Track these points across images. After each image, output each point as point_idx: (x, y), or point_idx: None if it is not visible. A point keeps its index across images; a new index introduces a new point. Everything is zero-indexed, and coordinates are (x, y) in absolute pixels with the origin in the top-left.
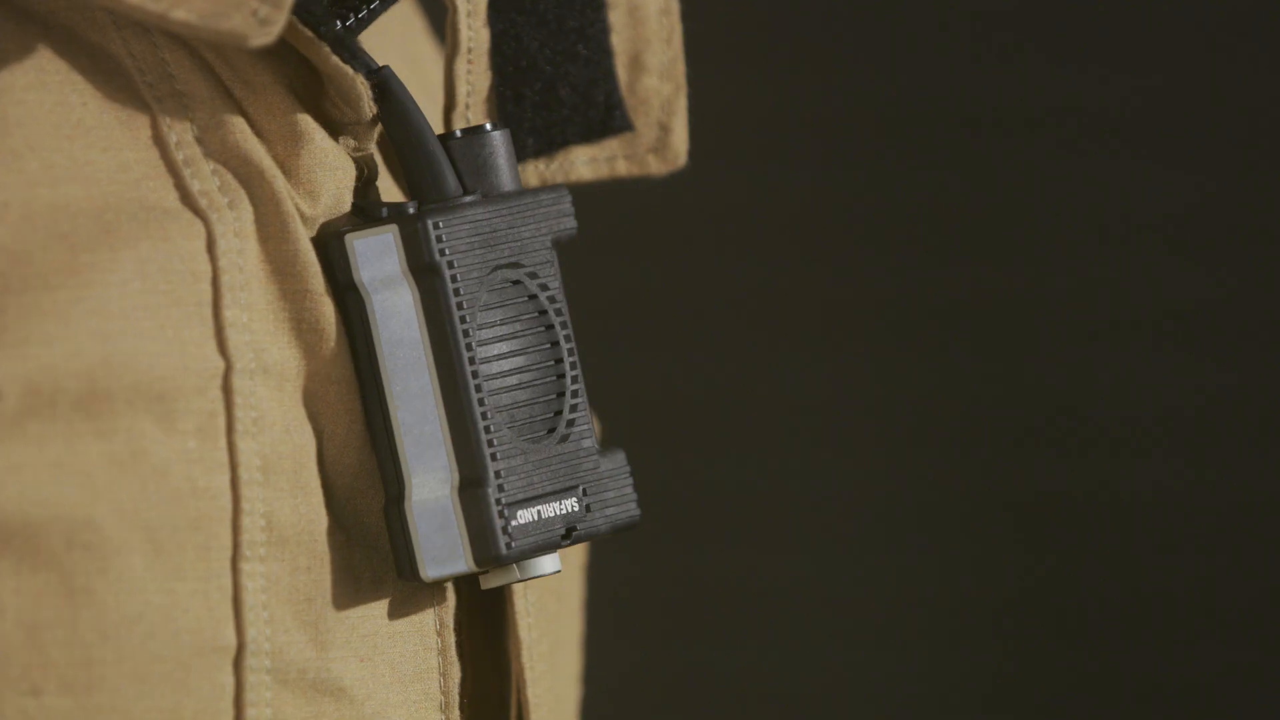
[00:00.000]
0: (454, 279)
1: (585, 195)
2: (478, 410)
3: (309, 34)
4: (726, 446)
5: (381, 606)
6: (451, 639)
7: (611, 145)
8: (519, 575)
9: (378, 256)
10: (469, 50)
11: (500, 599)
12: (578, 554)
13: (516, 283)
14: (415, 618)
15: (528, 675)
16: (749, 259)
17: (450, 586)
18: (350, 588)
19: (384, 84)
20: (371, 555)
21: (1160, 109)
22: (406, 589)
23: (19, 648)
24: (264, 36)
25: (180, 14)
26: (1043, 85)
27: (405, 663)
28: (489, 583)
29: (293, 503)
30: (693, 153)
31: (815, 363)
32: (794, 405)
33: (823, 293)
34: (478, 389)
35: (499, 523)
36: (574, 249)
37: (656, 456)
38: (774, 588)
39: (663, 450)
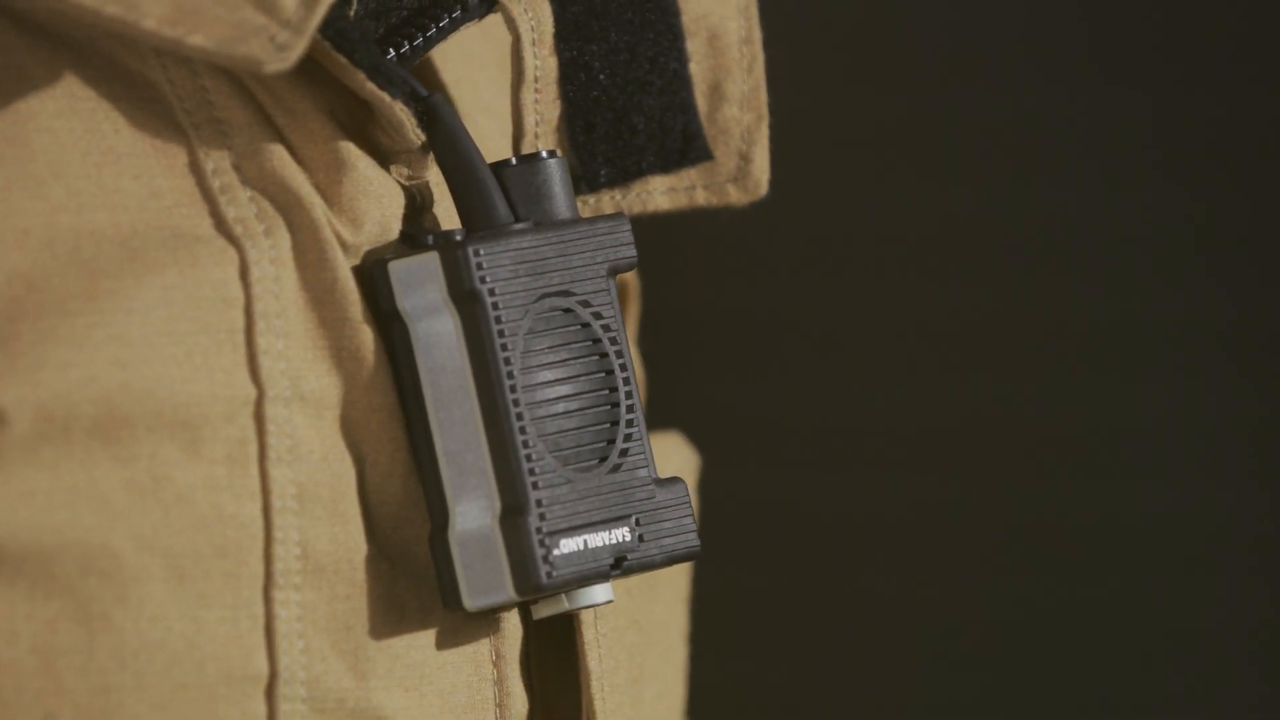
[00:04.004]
0: (495, 306)
1: (681, 221)
2: (519, 438)
3: (343, 60)
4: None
5: (429, 636)
6: (511, 670)
7: (690, 175)
8: (567, 605)
9: (420, 284)
10: (536, 79)
11: (571, 631)
12: (679, 586)
13: (567, 311)
14: (468, 648)
15: (597, 706)
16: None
17: (512, 618)
18: (394, 617)
19: (432, 110)
20: (418, 585)
21: None
22: (457, 619)
23: (32, 674)
24: (280, 63)
25: (197, 39)
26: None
27: (457, 693)
28: (539, 612)
29: (330, 531)
30: (776, 179)
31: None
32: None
33: (903, 313)
34: (519, 416)
35: (539, 551)
36: (678, 274)
37: (768, 479)
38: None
39: (778, 472)
